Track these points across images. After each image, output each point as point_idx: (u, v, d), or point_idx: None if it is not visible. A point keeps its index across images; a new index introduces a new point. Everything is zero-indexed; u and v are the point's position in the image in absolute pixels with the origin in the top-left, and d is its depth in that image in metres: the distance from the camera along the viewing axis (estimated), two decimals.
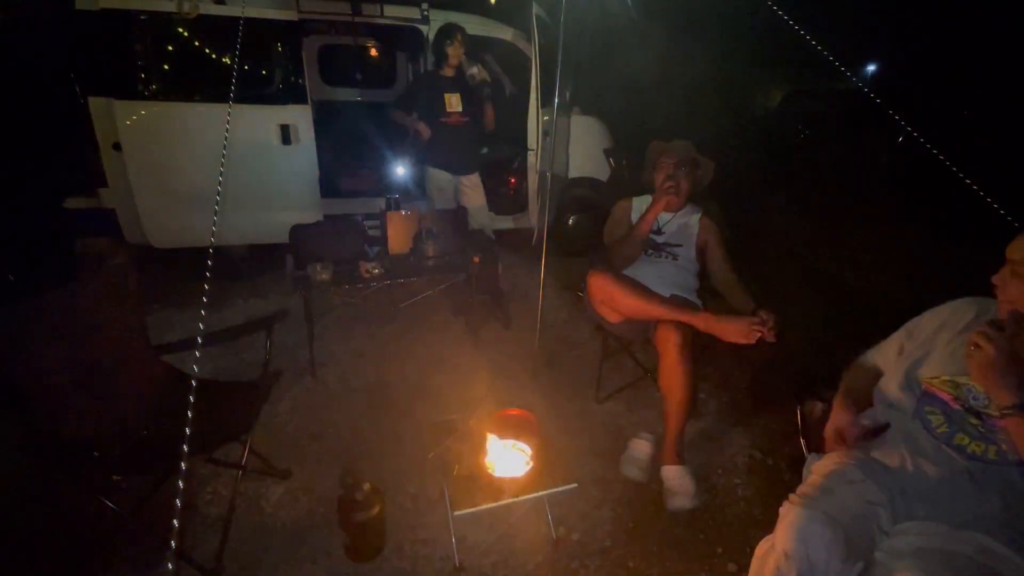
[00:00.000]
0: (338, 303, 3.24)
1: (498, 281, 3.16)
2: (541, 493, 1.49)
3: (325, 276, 2.42)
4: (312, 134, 3.33)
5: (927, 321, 1.27)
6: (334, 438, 2.11)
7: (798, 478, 1.30)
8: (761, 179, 6.63)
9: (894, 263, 4.31)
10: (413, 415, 2.22)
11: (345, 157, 4.20)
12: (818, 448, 1.34)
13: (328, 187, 3.61)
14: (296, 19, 3.18)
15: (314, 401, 2.35)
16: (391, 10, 3.44)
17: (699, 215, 2.19)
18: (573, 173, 4.13)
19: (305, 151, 3.35)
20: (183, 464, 0.84)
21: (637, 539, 1.68)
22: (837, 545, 0.98)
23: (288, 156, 3.33)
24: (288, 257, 2.63)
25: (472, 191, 3.34)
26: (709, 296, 2.13)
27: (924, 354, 1.22)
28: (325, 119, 4.08)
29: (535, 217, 3.79)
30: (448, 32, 3.01)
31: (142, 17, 2.94)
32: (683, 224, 2.19)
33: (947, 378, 1.15)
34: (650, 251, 2.17)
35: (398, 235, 2.75)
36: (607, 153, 4.19)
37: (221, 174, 1.39)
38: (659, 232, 2.20)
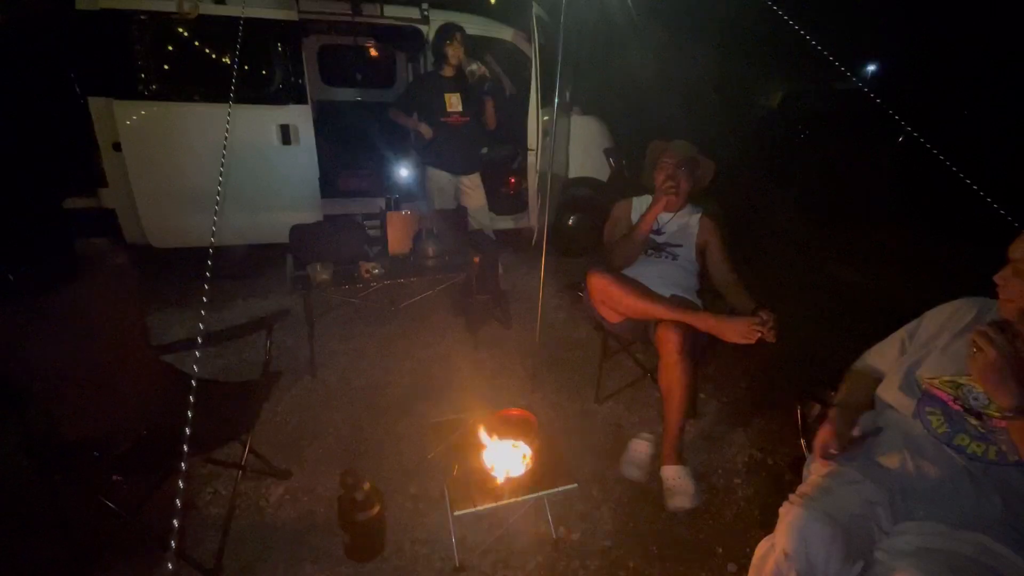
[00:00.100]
0: (338, 303, 3.24)
1: (498, 281, 3.16)
2: (541, 493, 1.49)
3: (325, 276, 2.42)
4: (312, 134, 3.34)
5: (928, 321, 1.27)
6: (334, 438, 2.11)
7: (798, 478, 1.30)
8: (761, 179, 6.62)
9: (894, 263, 4.31)
10: (413, 415, 2.22)
11: (345, 157, 4.20)
12: None
13: (328, 187, 3.61)
14: (296, 19, 3.18)
15: (314, 401, 2.35)
16: (391, 10, 3.45)
17: (699, 215, 2.19)
18: (573, 173, 4.13)
19: (305, 151, 3.35)
20: (183, 464, 0.84)
21: (637, 539, 1.68)
22: (837, 545, 0.98)
23: (288, 156, 3.33)
24: (288, 257, 2.63)
25: (473, 191, 3.34)
26: (709, 296, 2.13)
27: (924, 354, 1.22)
28: (325, 119, 4.09)
29: (535, 217, 3.79)
30: (447, 32, 3.01)
31: (142, 17, 2.94)
32: (683, 224, 2.19)
33: (947, 378, 1.15)
34: (650, 251, 2.17)
35: (398, 235, 2.75)
36: (607, 153, 4.19)
37: (221, 174, 1.39)
38: (659, 232, 2.20)
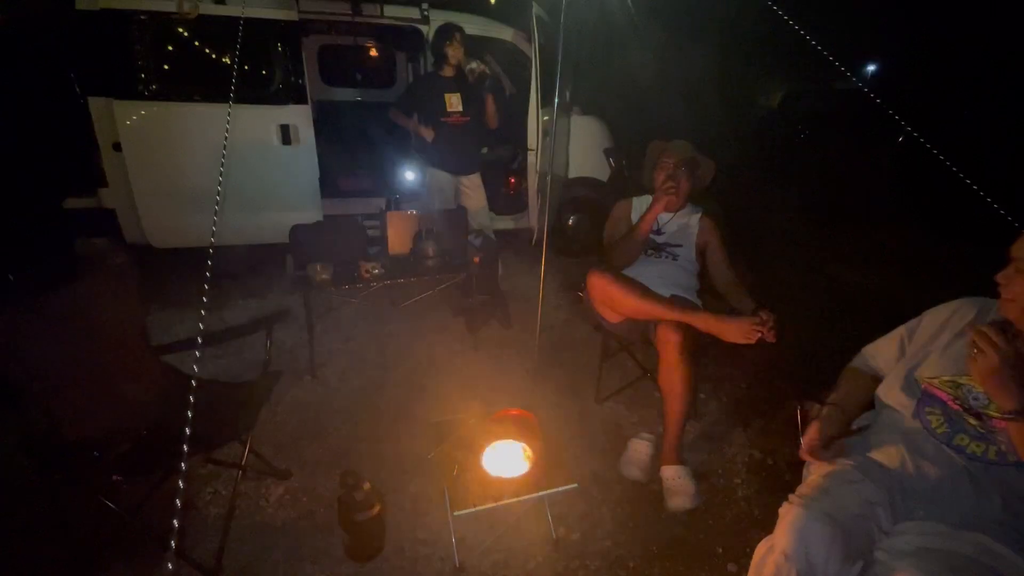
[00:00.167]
0: (338, 303, 3.24)
1: (498, 281, 3.16)
2: (541, 493, 1.49)
3: (325, 276, 2.42)
4: (312, 134, 3.33)
5: (928, 321, 1.27)
6: (334, 438, 2.11)
7: (798, 478, 1.30)
8: (761, 178, 6.63)
9: (894, 263, 4.31)
10: (413, 415, 2.22)
11: (345, 157, 4.20)
12: None
13: (328, 187, 3.61)
14: (296, 19, 3.18)
15: (314, 401, 2.35)
16: (391, 10, 3.44)
17: (699, 215, 2.19)
18: (573, 173, 4.13)
19: (305, 151, 3.35)
20: (183, 464, 0.84)
21: (637, 539, 1.68)
22: (836, 545, 0.98)
23: (288, 156, 3.33)
24: (288, 257, 2.63)
25: (473, 192, 3.33)
26: (709, 296, 2.13)
27: (924, 354, 1.22)
28: (325, 119, 4.09)
29: (535, 217, 3.79)
30: (446, 32, 3.01)
31: (142, 17, 2.93)
32: (683, 224, 2.19)
33: (947, 378, 1.15)
34: (650, 251, 2.17)
35: (398, 235, 2.75)
36: (607, 153, 4.19)
37: (221, 174, 1.39)
38: (659, 232, 2.20)
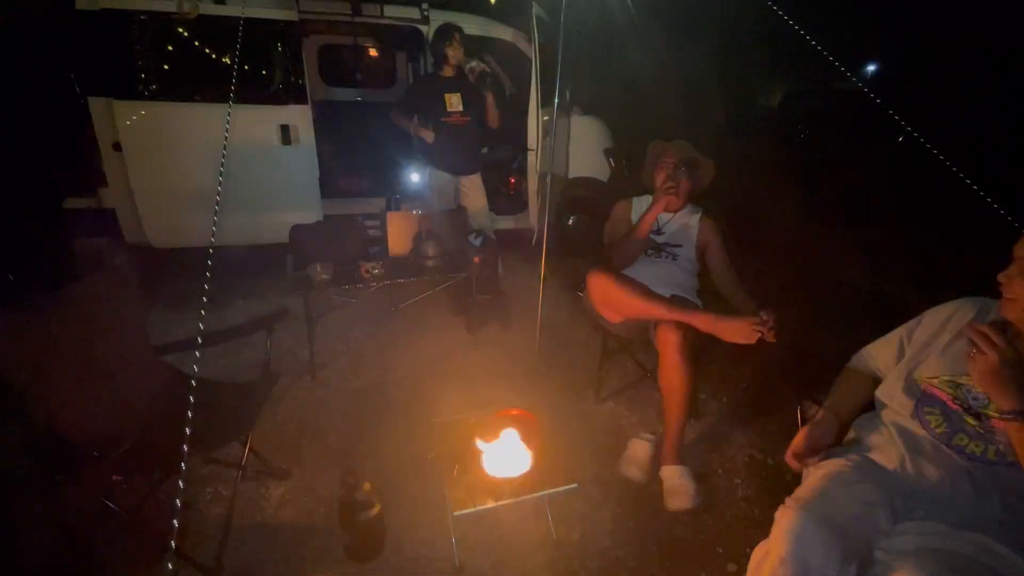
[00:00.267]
0: (338, 303, 3.24)
1: (498, 281, 3.16)
2: (541, 493, 1.49)
3: (325, 276, 2.42)
4: (312, 134, 3.33)
5: (927, 321, 1.27)
6: (334, 438, 2.11)
7: (798, 478, 1.30)
8: (761, 178, 6.62)
9: (895, 263, 4.31)
10: (413, 415, 2.22)
11: (345, 157, 4.20)
12: None
13: (328, 187, 3.61)
14: (296, 19, 3.18)
15: (314, 401, 2.35)
16: (391, 10, 3.44)
17: (699, 215, 2.20)
18: (573, 173, 4.13)
19: (305, 151, 3.35)
20: (183, 464, 0.84)
21: (637, 539, 1.68)
22: (833, 548, 0.98)
23: (288, 156, 3.33)
24: (288, 257, 2.63)
25: (473, 192, 3.33)
26: (709, 296, 2.13)
27: (924, 355, 1.22)
28: (325, 119, 4.09)
29: (535, 217, 3.79)
30: (446, 32, 3.01)
31: (142, 17, 2.93)
32: (683, 224, 2.19)
33: (947, 378, 1.15)
34: (650, 251, 2.17)
35: (398, 235, 2.75)
36: (607, 153, 4.19)
37: (221, 174, 1.39)
38: (659, 232, 2.20)
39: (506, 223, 4.09)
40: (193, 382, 0.97)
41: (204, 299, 1.09)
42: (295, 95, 3.28)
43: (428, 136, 3.06)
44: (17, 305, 1.38)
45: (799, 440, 1.24)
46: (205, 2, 2.95)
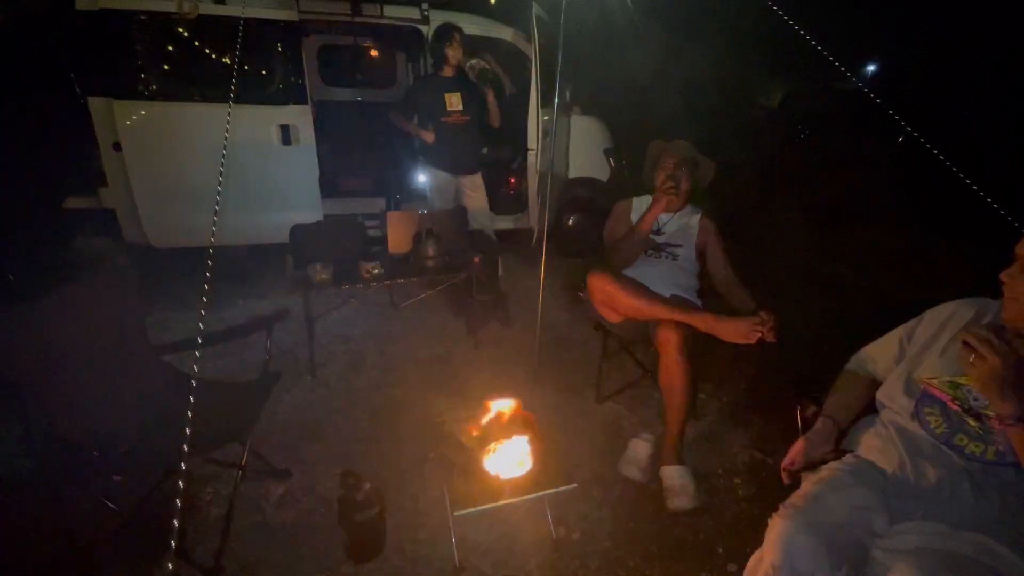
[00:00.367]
0: (338, 303, 3.24)
1: (498, 281, 3.16)
2: (541, 493, 1.49)
3: (325, 276, 2.42)
4: (312, 134, 3.33)
5: (927, 321, 1.27)
6: (334, 438, 2.11)
7: (797, 479, 1.30)
8: (761, 178, 6.62)
9: (894, 263, 4.31)
10: (413, 415, 2.22)
11: (345, 157, 4.19)
12: None
13: (328, 187, 3.61)
14: (296, 19, 3.18)
15: (314, 401, 2.35)
16: (391, 10, 3.44)
17: (699, 215, 2.20)
18: (573, 173, 4.13)
19: (305, 151, 3.35)
20: (183, 464, 0.84)
21: (637, 539, 1.68)
22: (821, 555, 0.99)
23: (288, 156, 3.33)
24: (288, 257, 2.63)
25: (474, 192, 3.33)
26: (709, 296, 2.13)
27: (923, 355, 1.22)
28: (325, 119, 4.09)
29: (535, 217, 3.79)
30: (445, 32, 3.01)
31: (142, 17, 2.93)
32: (683, 224, 2.19)
33: (947, 379, 1.15)
34: (650, 251, 2.17)
35: (398, 235, 2.75)
36: (607, 153, 4.19)
37: (221, 174, 1.39)
38: (659, 232, 2.20)
39: (506, 223, 4.08)
40: (193, 382, 0.97)
41: (204, 299, 1.09)
42: (295, 95, 3.28)
43: (428, 137, 3.06)
44: (17, 305, 1.38)
45: (797, 453, 1.24)
46: (205, 2, 2.95)
